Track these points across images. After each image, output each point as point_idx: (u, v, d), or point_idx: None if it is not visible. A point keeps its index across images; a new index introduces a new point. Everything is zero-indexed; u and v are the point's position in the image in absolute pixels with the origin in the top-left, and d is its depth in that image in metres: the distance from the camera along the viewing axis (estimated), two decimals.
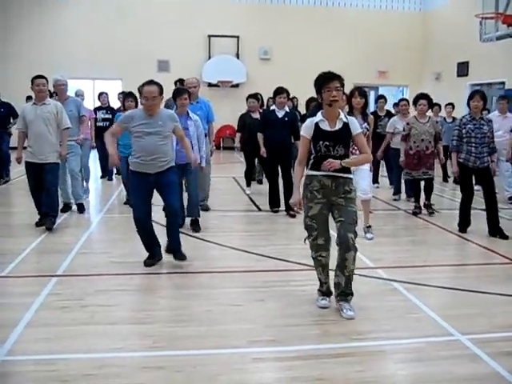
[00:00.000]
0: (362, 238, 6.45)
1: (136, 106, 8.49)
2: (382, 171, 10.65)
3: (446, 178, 11.33)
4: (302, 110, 11.19)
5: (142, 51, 17.17)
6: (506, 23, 12.99)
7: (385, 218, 7.84)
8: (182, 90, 6.66)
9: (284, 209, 7.77)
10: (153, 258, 5.34)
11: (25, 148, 6.81)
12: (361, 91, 6.49)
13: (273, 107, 7.92)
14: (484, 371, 3.32)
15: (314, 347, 3.60)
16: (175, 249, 5.38)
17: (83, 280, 4.89)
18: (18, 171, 11.04)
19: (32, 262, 5.41)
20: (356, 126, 4.21)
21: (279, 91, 7.78)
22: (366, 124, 6.57)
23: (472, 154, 6.60)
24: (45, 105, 6.71)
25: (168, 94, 6.36)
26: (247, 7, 18.04)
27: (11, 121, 10.71)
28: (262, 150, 8.02)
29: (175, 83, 9.89)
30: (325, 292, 4.37)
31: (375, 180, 10.47)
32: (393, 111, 10.89)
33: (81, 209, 7.81)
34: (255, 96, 9.56)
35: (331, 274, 4.28)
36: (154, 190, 5.29)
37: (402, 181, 8.94)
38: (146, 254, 5.36)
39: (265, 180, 9.63)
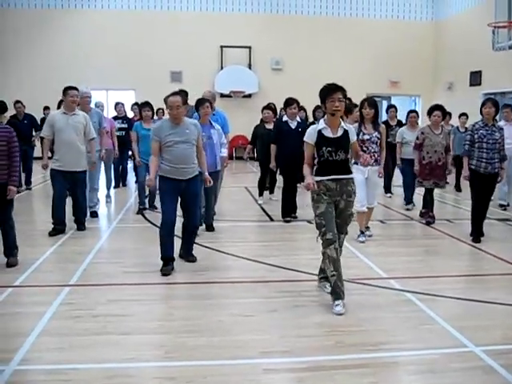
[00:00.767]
0: (367, 242, 6.48)
1: (153, 116, 8.79)
2: (395, 181, 10.61)
3: (459, 188, 11.25)
4: (310, 118, 11.45)
5: (155, 62, 17.34)
6: None
7: (397, 228, 7.80)
8: (204, 99, 6.80)
9: (297, 218, 7.78)
10: (169, 265, 5.38)
11: (49, 158, 7.11)
12: (370, 102, 6.55)
13: (285, 118, 7.95)
14: (499, 383, 3.27)
15: (326, 358, 3.57)
16: (188, 253, 5.75)
17: (96, 290, 4.91)
18: (35, 179, 11.20)
19: (45, 272, 5.44)
20: (354, 134, 4.65)
21: (289, 102, 7.83)
22: (376, 133, 6.59)
23: (483, 160, 6.64)
24: (75, 115, 6.96)
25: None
26: (259, 18, 18.13)
27: (33, 133, 10.85)
28: (273, 165, 8.13)
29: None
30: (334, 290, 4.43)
31: (388, 190, 10.45)
32: (404, 121, 10.86)
33: (94, 215, 8.18)
34: (270, 107, 9.63)
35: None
36: None
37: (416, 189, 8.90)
38: (158, 264, 5.40)
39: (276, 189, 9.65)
